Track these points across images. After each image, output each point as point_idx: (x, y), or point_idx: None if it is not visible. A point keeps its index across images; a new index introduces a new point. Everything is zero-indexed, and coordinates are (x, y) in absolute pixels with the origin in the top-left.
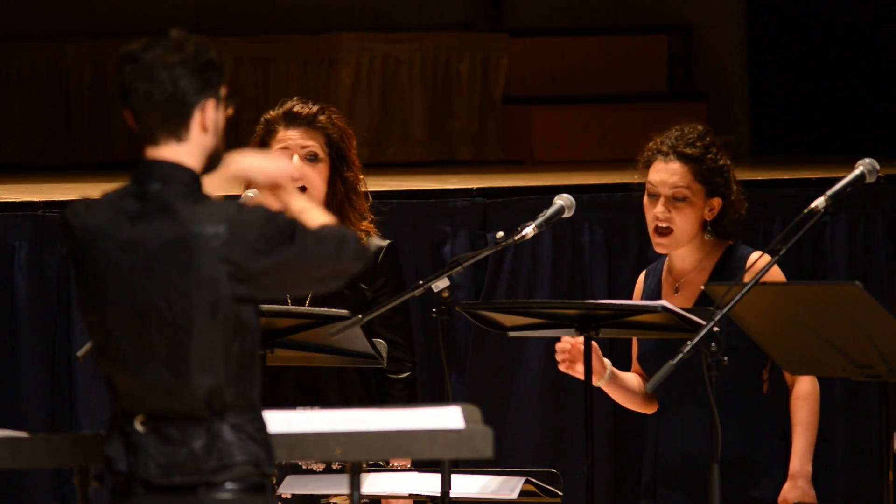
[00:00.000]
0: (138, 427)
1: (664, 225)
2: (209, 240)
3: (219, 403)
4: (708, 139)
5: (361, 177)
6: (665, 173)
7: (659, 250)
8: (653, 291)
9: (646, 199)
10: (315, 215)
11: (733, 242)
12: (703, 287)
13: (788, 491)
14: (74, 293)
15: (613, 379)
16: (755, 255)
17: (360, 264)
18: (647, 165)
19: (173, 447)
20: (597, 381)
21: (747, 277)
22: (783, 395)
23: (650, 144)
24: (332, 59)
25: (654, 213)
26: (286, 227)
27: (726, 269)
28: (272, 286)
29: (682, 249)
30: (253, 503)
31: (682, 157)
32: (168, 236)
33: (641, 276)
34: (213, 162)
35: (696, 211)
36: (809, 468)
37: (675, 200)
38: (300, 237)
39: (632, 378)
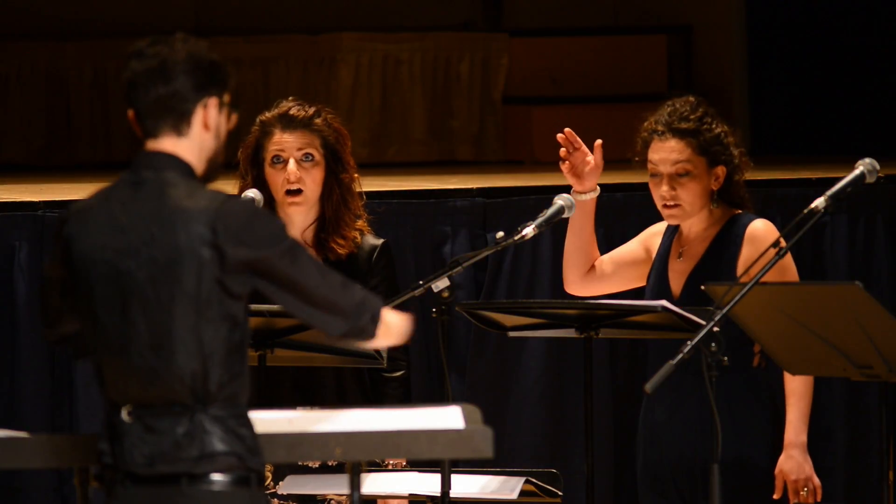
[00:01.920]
0: (124, 417)
1: (671, 203)
2: (195, 225)
3: (202, 391)
4: (701, 110)
5: (356, 176)
6: (664, 152)
7: (670, 221)
8: (665, 249)
9: (650, 180)
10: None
11: (741, 212)
12: (701, 255)
13: (784, 462)
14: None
15: (590, 210)
16: (757, 223)
17: (362, 327)
18: (646, 146)
19: (156, 436)
20: (579, 186)
21: (755, 270)
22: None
23: (645, 125)
24: (332, 59)
25: (661, 192)
26: (276, 229)
27: (726, 237)
28: (255, 283)
29: (692, 219)
30: (237, 495)
31: (679, 133)
32: (155, 220)
33: (662, 227)
34: (212, 167)
35: (700, 183)
36: (804, 437)
37: (678, 177)
38: (291, 245)
39: (592, 243)
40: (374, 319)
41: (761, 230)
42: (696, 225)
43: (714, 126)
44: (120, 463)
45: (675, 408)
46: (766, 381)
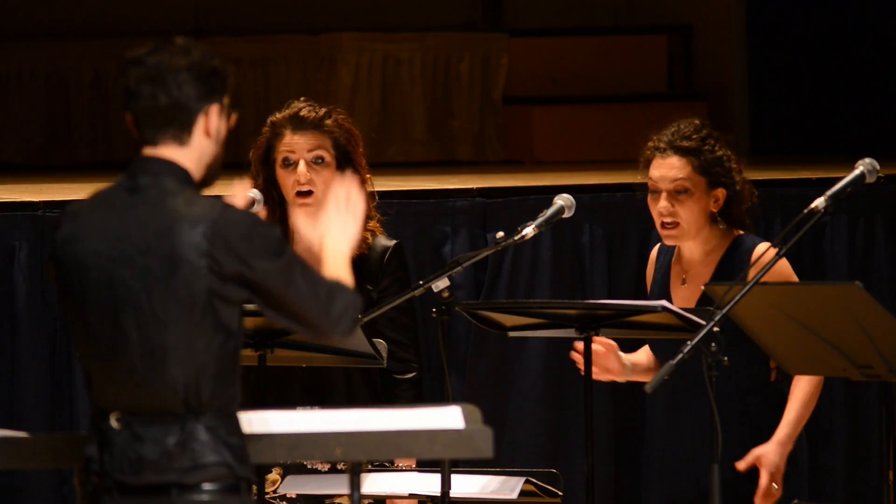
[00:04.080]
0: (113, 423)
1: (669, 220)
2: (191, 234)
3: (195, 401)
4: (704, 132)
5: (368, 177)
6: (664, 168)
7: (668, 242)
8: (662, 275)
9: (649, 197)
10: (339, 267)
11: (743, 233)
12: (706, 283)
13: (771, 452)
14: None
15: (633, 369)
16: (762, 246)
17: (343, 332)
18: (647, 164)
19: (146, 444)
20: (620, 379)
21: (751, 274)
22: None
23: (648, 144)
24: (332, 59)
25: (658, 208)
26: (274, 242)
27: (732, 261)
28: (246, 294)
29: (690, 241)
30: (227, 503)
31: (680, 151)
32: (151, 228)
33: (654, 253)
34: (212, 172)
35: (699, 203)
36: (790, 444)
37: (677, 194)
38: (287, 262)
39: (644, 357)
40: (348, 321)
41: (765, 257)
42: (697, 248)
43: (717, 148)
44: (108, 470)
45: (691, 430)
46: (786, 397)
